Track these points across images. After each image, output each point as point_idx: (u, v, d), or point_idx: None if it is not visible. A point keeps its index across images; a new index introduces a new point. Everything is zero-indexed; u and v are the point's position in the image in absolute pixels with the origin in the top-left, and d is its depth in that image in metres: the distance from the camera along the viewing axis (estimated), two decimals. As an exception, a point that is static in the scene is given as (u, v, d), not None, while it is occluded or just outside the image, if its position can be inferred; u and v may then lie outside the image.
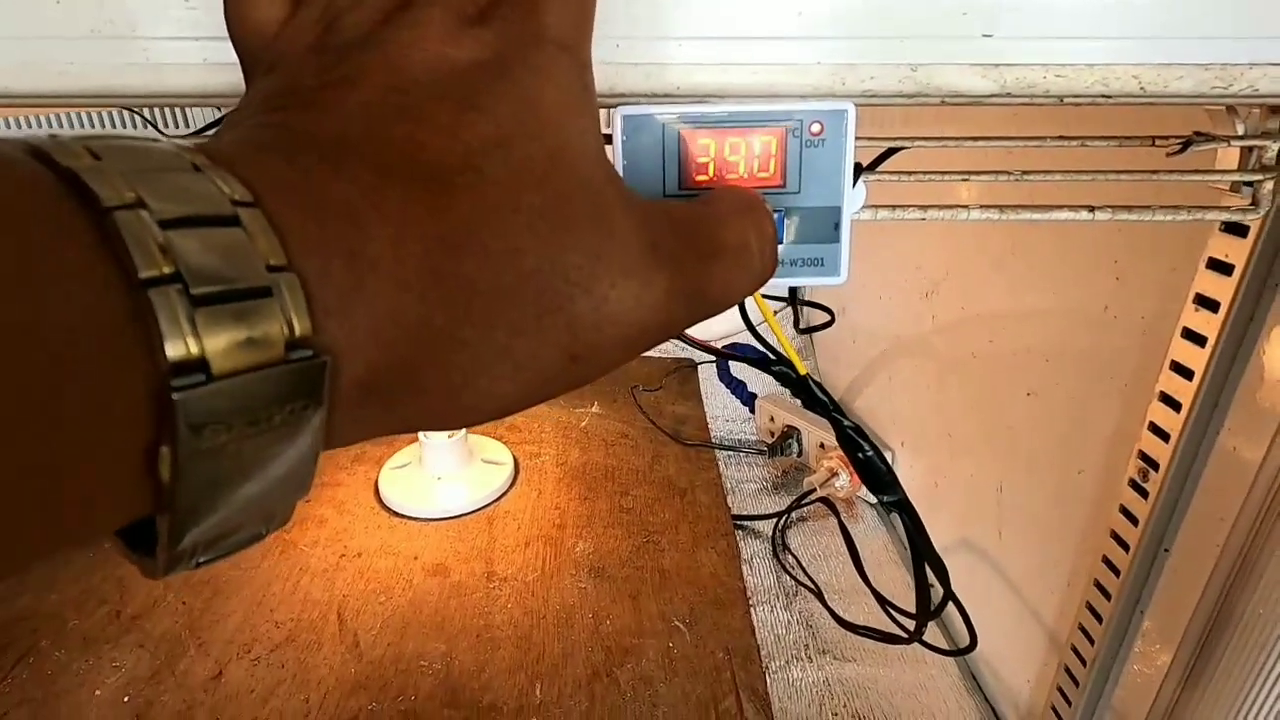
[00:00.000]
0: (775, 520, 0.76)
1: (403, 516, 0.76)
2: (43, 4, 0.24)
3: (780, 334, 0.29)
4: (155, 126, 0.43)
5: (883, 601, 0.49)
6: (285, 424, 0.12)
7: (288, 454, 0.13)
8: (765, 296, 0.33)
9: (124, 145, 0.12)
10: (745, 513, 0.79)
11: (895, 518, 0.77)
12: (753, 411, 0.97)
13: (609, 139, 0.24)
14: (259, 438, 0.12)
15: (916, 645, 0.41)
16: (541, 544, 0.72)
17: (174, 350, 0.11)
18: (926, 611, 0.36)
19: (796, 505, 0.78)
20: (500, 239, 0.15)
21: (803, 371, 0.31)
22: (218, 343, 0.11)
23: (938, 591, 0.35)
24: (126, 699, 0.55)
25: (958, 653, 0.50)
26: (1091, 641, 0.43)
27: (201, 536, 0.13)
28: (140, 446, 0.11)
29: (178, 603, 0.65)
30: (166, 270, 0.11)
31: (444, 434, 0.79)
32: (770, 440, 0.89)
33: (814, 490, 0.79)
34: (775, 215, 0.25)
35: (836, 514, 0.63)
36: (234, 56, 0.20)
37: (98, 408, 0.10)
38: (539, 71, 0.17)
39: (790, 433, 0.88)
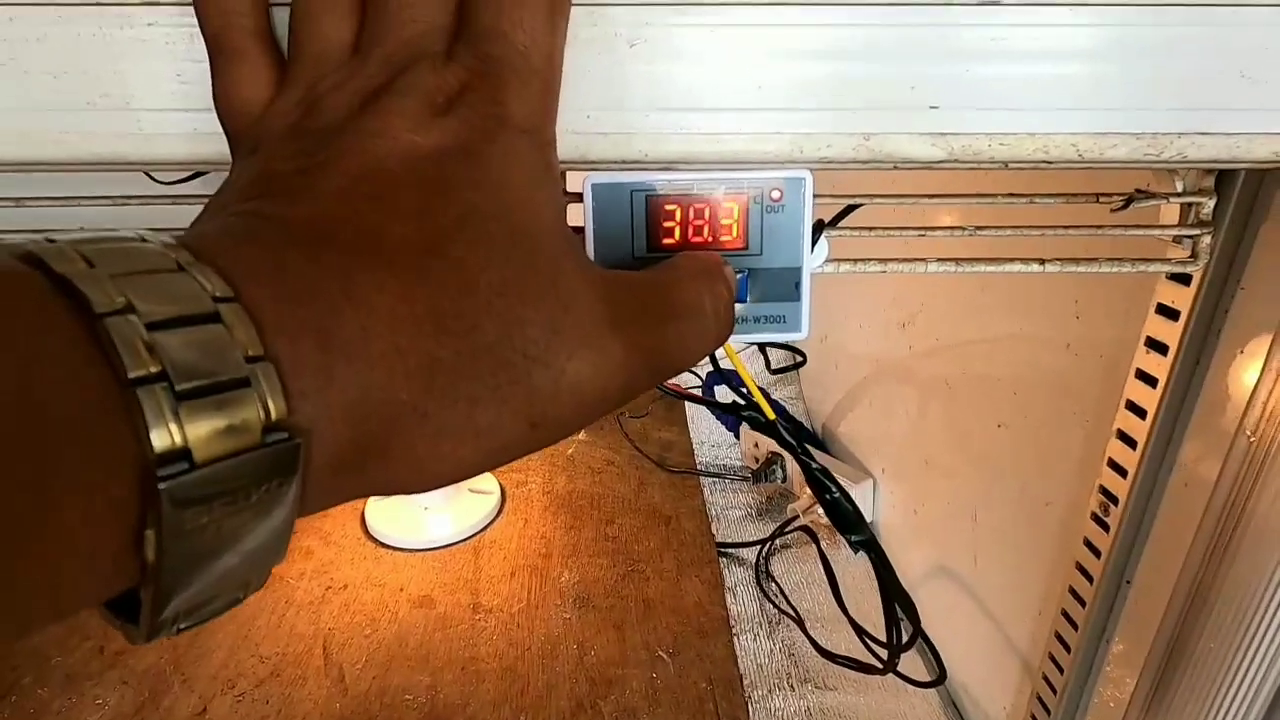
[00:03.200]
0: (759, 548, 0.77)
1: (389, 547, 0.77)
2: (42, 78, 0.25)
3: (749, 379, 0.31)
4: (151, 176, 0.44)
5: (860, 632, 0.49)
6: (261, 501, 0.13)
7: (264, 527, 0.14)
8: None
9: (115, 249, 0.13)
10: (729, 540, 0.80)
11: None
12: (738, 437, 0.99)
13: (579, 198, 0.26)
14: (238, 515, 0.13)
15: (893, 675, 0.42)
16: (527, 574, 0.72)
17: (159, 441, 0.12)
18: (898, 646, 0.37)
19: (780, 533, 0.79)
20: (460, 318, 0.16)
21: (771, 417, 0.32)
22: (200, 432, 0.12)
23: (910, 626, 0.36)
24: (109, 737, 0.55)
25: (929, 684, 0.51)
26: (1061, 670, 0.44)
27: (182, 606, 0.14)
28: (128, 528, 0.12)
29: (162, 639, 0.64)
30: (153, 369, 0.12)
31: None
32: (755, 466, 0.91)
33: (797, 517, 0.80)
34: (739, 276, 0.26)
35: (817, 543, 0.64)
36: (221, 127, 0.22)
37: (89, 494, 0.12)
38: (503, 155, 0.18)
39: (774, 459, 0.89)
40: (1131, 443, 0.37)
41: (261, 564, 0.15)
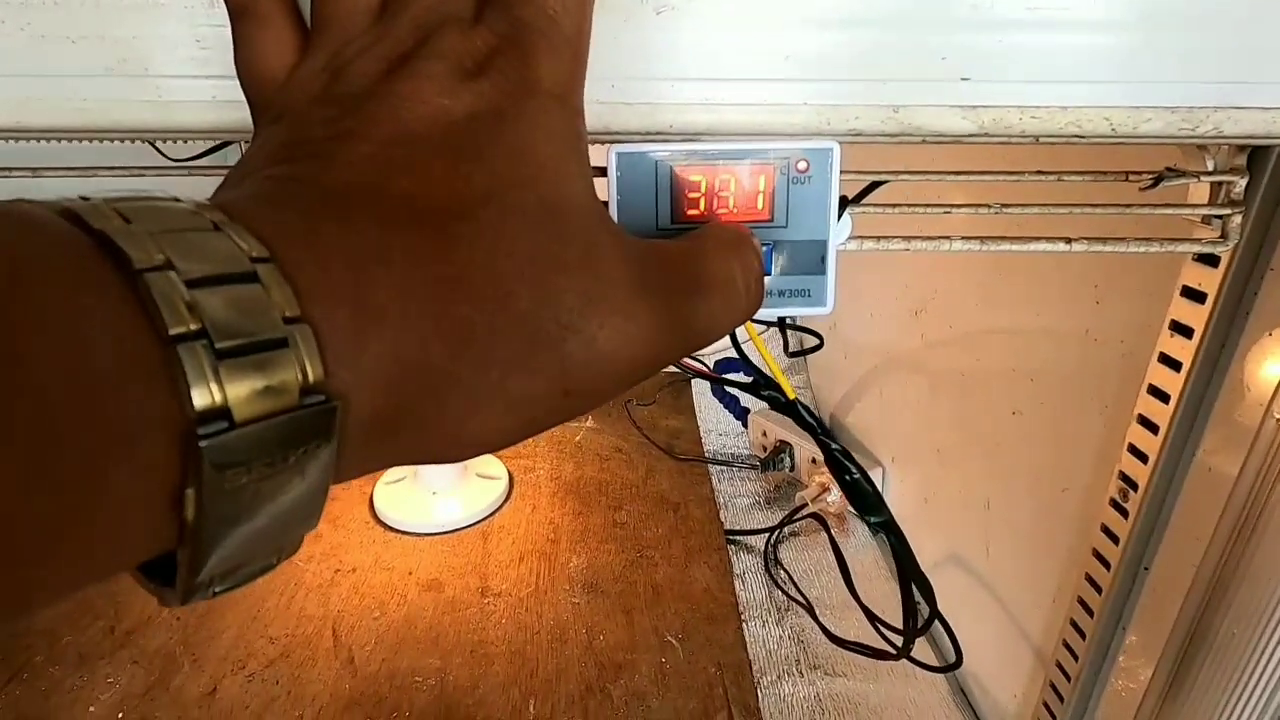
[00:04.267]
0: (767, 535, 0.77)
1: (397, 531, 0.77)
2: (61, 43, 0.24)
3: (769, 358, 0.30)
4: (160, 151, 0.44)
5: (872, 618, 0.49)
6: (298, 463, 0.13)
7: (299, 490, 0.14)
8: (755, 321, 0.34)
9: (150, 206, 0.13)
10: (738, 527, 0.80)
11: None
12: (745, 426, 0.98)
13: (603, 173, 0.25)
14: (275, 477, 0.13)
15: (905, 661, 0.42)
16: (535, 559, 0.72)
17: (200, 399, 0.12)
18: (913, 629, 0.37)
19: (788, 520, 0.78)
20: (494, 284, 0.16)
21: (791, 396, 0.32)
22: (239, 391, 0.12)
23: (926, 608, 0.36)
24: (120, 715, 0.55)
25: (944, 669, 0.51)
26: (1075, 658, 0.43)
27: (218, 568, 0.14)
28: (167, 487, 0.12)
29: (172, 618, 0.65)
30: (193, 327, 0.12)
31: (439, 449, 0.80)
32: (763, 455, 0.90)
33: (805, 505, 0.79)
34: (764, 249, 0.26)
35: (827, 529, 0.64)
36: (242, 94, 0.21)
37: (132, 453, 0.11)
38: (533, 121, 0.18)
39: (782, 447, 0.88)
40: (1153, 428, 0.37)
41: (296, 529, 0.15)
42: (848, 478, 0.32)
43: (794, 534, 0.79)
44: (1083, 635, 0.43)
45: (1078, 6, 0.24)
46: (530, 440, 0.73)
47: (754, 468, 0.90)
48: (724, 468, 0.91)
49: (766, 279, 0.26)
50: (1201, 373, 0.35)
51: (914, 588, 0.34)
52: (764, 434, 0.92)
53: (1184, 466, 0.36)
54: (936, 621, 0.36)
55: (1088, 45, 0.25)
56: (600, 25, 0.23)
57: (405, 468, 0.85)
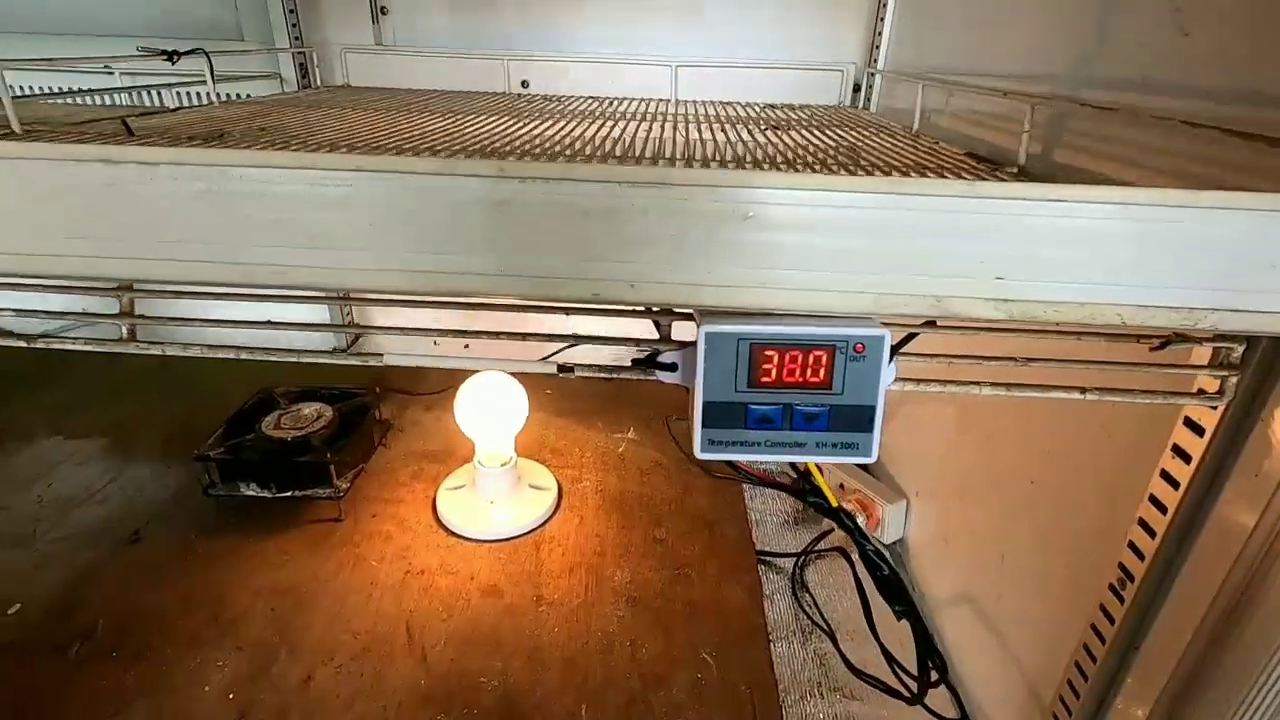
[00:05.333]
0: (795, 558, 0.83)
1: (459, 537, 0.85)
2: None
3: (822, 482, 0.36)
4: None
5: (889, 659, 0.56)
6: None
7: None
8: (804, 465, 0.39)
9: None
10: (768, 548, 0.86)
11: (907, 563, 0.84)
12: (778, 445, 1.04)
13: (690, 344, 0.31)
14: None
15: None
16: (584, 571, 0.80)
17: None
18: (925, 689, 0.43)
19: (813, 547, 0.85)
20: None
21: (834, 504, 0.38)
22: None
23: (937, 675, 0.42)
24: (231, 696, 0.65)
25: None
26: (1070, 713, 0.49)
27: None
28: None
29: (266, 609, 0.74)
30: None
31: (497, 462, 0.87)
32: (793, 477, 0.96)
33: (831, 530, 0.86)
34: (822, 409, 0.32)
35: (852, 565, 0.70)
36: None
37: None
38: None
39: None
40: (1151, 532, 0.42)
41: None
42: (879, 574, 0.38)
43: (819, 557, 0.85)
44: (1077, 695, 0.49)
45: (1099, 224, 0.29)
46: (577, 450, 0.82)
47: (788, 491, 0.96)
48: (756, 487, 0.97)
49: (821, 434, 0.32)
50: (1188, 510, 0.40)
51: (929, 661, 0.40)
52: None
53: (1174, 572, 0.41)
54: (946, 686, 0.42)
55: (1105, 255, 0.30)
56: (695, 228, 0.29)
57: (464, 474, 0.92)
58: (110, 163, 0.29)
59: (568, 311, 0.37)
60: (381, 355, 0.40)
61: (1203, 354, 0.36)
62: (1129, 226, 0.29)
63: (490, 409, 0.85)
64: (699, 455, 0.32)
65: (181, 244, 0.32)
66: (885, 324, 0.32)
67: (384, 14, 1.13)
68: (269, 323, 0.42)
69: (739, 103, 1.04)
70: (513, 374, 0.88)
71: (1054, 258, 0.30)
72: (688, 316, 0.36)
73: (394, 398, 1.13)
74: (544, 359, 0.41)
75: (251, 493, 0.87)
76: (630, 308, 0.36)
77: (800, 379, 0.31)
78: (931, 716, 0.58)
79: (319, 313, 1.29)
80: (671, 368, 0.35)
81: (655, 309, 0.36)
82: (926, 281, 0.31)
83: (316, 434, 0.89)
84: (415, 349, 0.40)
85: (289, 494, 0.87)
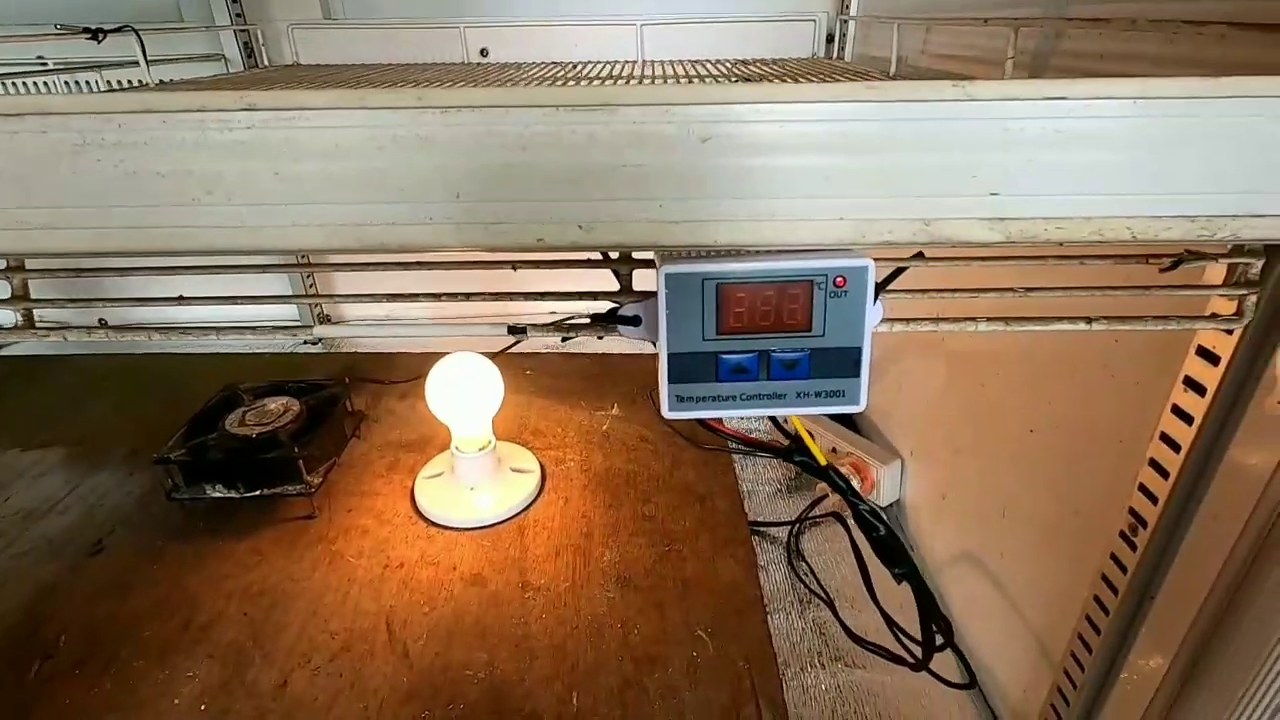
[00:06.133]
0: (789, 527, 0.81)
1: (439, 526, 0.81)
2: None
3: (813, 445, 0.33)
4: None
5: (890, 623, 0.53)
6: None
7: None
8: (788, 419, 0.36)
9: None
10: (761, 517, 0.83)
11: (904, 525, 0.82)
12: (767, 413, 1.01)
13: (654, 294, 0.28)
14: None
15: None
16: (571, 553, 0.77)
17: None
18: (930, 654, 0.40)
19: (809, 512, 0.82)
20: None
21: (823, 463, 0.34)
22: None
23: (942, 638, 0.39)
24: (203, 707, 0.61)
25: (959, 686, 0.55)
26: (1082, 669, 0.47)
27: None
28: None
29: (239, 613, 0.70)
30: None
31: (474, 446, 0.84)
32: (785, 442, 0.93)
33: (825, 496, 0.83)
34: (801, 354, 0.28)
35: (848, 530, 0.67)
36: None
37: None
38: None
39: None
40: (1164, 472, 0.39)
41: None
42: (874, 535, 0.35)
43: (815, 524, 0.82)
44: (1089, 649, 0.46)
45: (1104, 127, 0.26)
46: (560, 430, 0.78)
47: (775, 454, 0.93)
48: (746, 455, 0.94)
49: (803, 382, 0.28)
50: (1205, 442, 0.37)
51: (933, 625, 0.37)
52: (785, 420, 0.94)
53: (1189, 515, 0.38)
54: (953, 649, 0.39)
55: (1111, 161, 0.26)
56: (651, 151, 0.25)
57: (443, 462, 0.89)
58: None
59: (515, 266, 0.34)
60: (330, 337, 0.36)
61: (1217, 273, 0.32)
62: (1140, 124, 0.26)
63: (462, 391, 0.82)
64: (667, 415, 0.29)
65: (61, 210, 0.28)
66: (869, 257, 0.28)
67: (329, -17, 1.07)
68: (222, 298, 0.38)
69: (708, 60, 1.00)
70: (484, 354, 0.84)
71: (1056, 165, 0.26)
72: (649, 264, 0.32)
73: (367, 388, 1.09)
74: (504, 328, 0.37)
75: (218, 494, 0.83)
76: (584, 255, 0.32)
77: (775, 321, 0.28)
78: (938, 681, 0.55)
79: (282, 307, 1.24)
80: (635, 321, 0.31)
81: (613, 255, 0.32)
82: (913, 203, 0.27)
83: (283, 429, 0.85)
84: (370, 315, 0.36)
85: (257, 493, 0.83)
